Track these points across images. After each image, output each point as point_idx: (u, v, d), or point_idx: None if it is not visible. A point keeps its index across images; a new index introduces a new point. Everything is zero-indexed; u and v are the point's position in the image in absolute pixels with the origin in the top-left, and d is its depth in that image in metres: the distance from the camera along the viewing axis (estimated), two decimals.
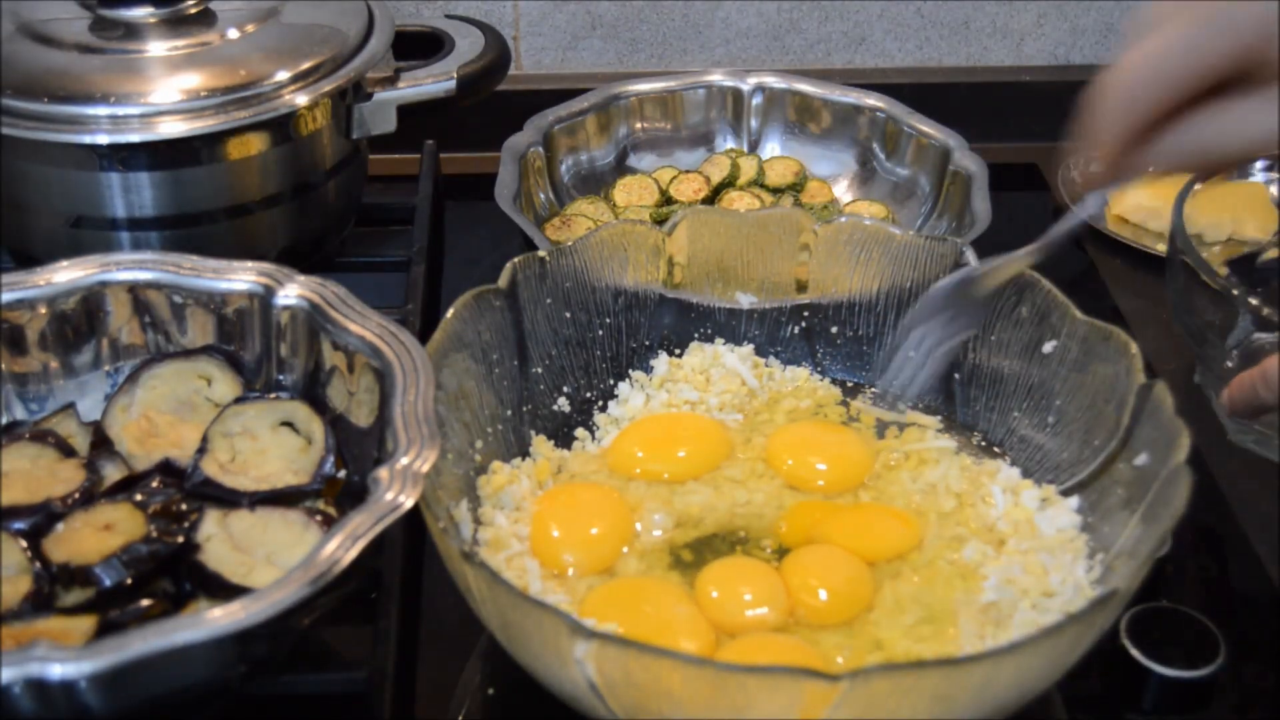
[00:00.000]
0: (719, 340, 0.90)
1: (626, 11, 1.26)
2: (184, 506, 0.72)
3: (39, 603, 0.67)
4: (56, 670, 0.57)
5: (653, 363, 0.89)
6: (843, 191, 1.14)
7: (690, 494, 0.80)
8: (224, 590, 0.67)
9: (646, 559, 0.76)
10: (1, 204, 0.95)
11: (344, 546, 0.62)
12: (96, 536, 0.69)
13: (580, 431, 0.86)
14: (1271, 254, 1.00)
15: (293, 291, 0.78)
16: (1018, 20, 1.29)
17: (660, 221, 0.95)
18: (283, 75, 0.93)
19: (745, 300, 0.90)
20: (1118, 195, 0.71)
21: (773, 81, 1.16)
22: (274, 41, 0.95)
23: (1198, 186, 0.96)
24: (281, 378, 0.80)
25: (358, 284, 0.80)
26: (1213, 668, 0.74)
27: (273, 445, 0.76)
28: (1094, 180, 0.71)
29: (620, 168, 1.15)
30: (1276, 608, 0.82)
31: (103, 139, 0.88)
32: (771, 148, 1.16)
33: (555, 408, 0.86)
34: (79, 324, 0.80)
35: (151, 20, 0.94)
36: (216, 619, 0.59)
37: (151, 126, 0.89)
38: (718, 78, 1.17)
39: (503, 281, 0.82)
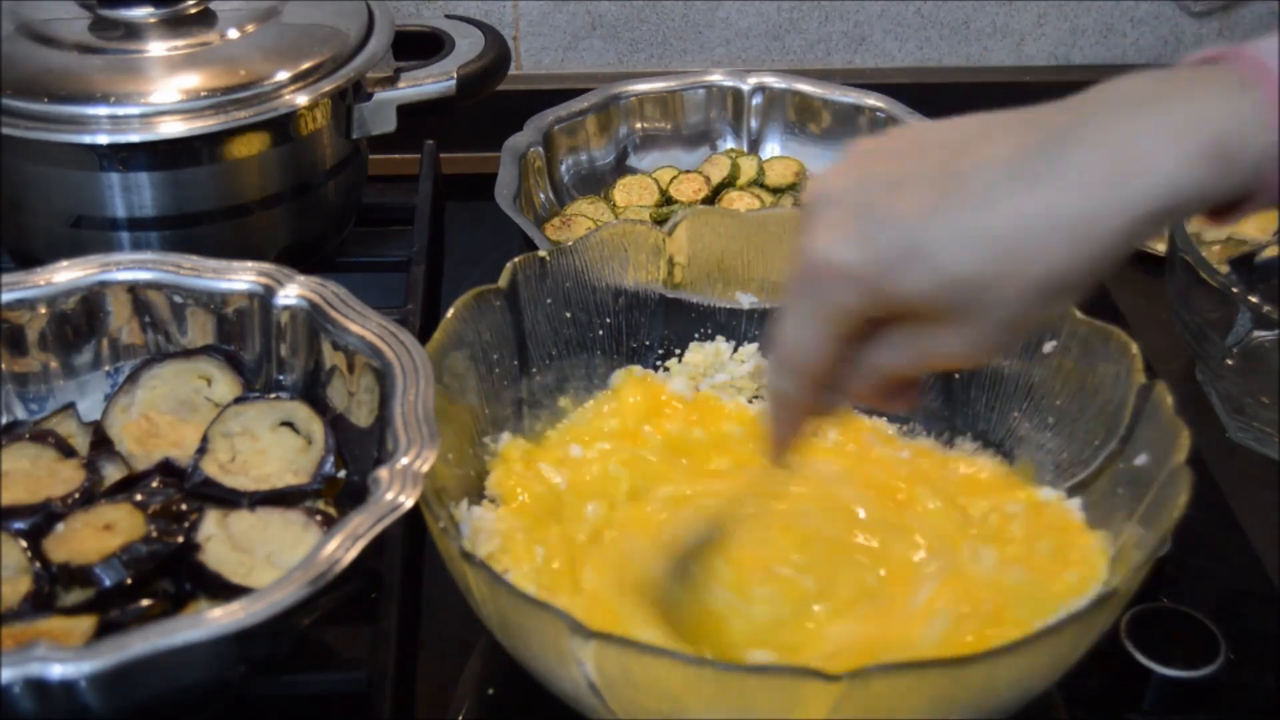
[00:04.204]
0: (720, 338, 0.90)
1: (626, 11, 1.26)
2: (184, 506, 0.72)
3: (39, 603, 0.67)
4: (56, 670, 0.57)
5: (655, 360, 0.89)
6: None
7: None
8: (224, 590, 0.67)
9: None
10: (1, 204, 0.95)
11: (344, 546, 0.62)
12: (96, 536, 0.69)
13: None
14: (1271, 252, 1.00)
15: (293, 291, 0.78)
16: (1018, 20, 1.29)
17: (660, 221, 0.95)
18: (283, 75, 0.93)
19: (745, 300, 0.90)
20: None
21: (773, 81, 1.16)
22: (274, 41, 0.95)
23: None
24: (281, 378, 0.80)
25: (358, 284, 0.80)
26: (1213, 668, 0.74)
27: (273, 445, 0.76)
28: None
29: (620, 168, 1.15)
30: (1276, 608, 0.82)
31: (103, 139, 0.88)
32: (771, 148, 1.16)
33: (555, 408, 0.86)
34: (79, 324, 0.80)
35: (151, 20, 0.94)
36: (216, 619, 0.59)
37: (151, 126, 0.89)
38: (718, 78, 1.17)
39: (503, 281, 0.82)
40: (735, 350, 0.89)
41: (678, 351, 0.89)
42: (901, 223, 0.54)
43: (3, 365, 0.79)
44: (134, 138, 0.88)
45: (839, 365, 0.59)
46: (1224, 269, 0.97)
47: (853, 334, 0.57)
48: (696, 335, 0.90)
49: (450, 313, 0.78)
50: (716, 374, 0.88)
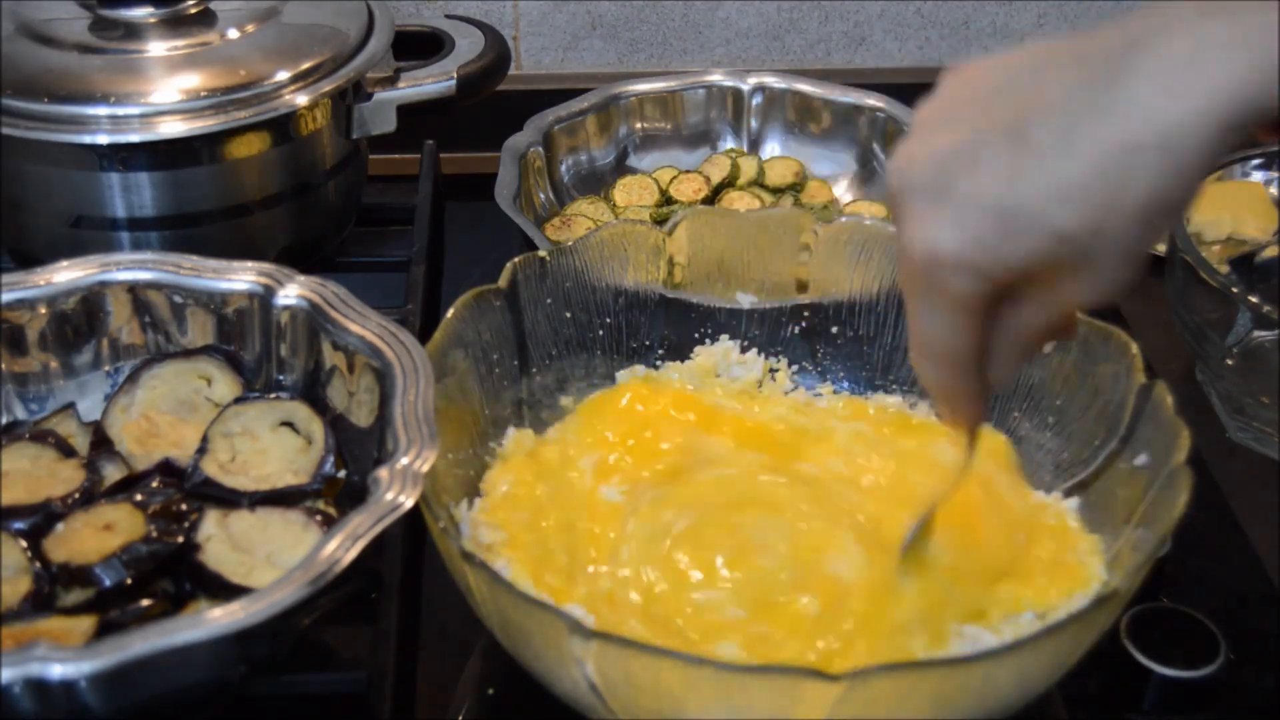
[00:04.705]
0: (724, 337, 0.90)
1: (626, 11, 1.26)
2: (184, 506, 0.72)
3: (39, 603, 0.67)
4: (56, 670, 0.56)
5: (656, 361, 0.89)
6: (843, 191, 1.14)
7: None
8: (224, 590, 0.67)
9: None
10: (1, 204, 0.95)
11: (344, 546, 0.62)
12: (96, 536, 0.69)
13: None
14: (1271, 252, 1.00)
15: (293, 291, 0.78)
16: (1018, 20, 1.29)
17: (660, 221, 0.95)
18: (283, 75, 0.93)
19: (745, 300, 0.90)
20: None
21: (773, 81, 1.16)
22: (274, 41, 0.95)
23: None
24: (281, 378, 0.80)
25: (358, 284, 0.80)
26: (1213, 668, 0.74)
27: (273, 445, 0.76)
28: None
29: (620, 168, 1.15)
30: (1276, 608, 0.82)
31: (103, 139, 0.88)
32: (771, 148, 1.16)
33: (556, 407, 0.86)
34: (79, 324, 0.80)
35: (151, 20, 0.94)
36: (216, 619, 0.59)
37: (151, 126, 0.89)
38: (718, 78, 1.17)
39: (503, 281, 0.82)
40: (743, 351, 0.89)
41: (681, 352, 0.89)
42: (989, 197, 0.54)
43: (3, 365, 0.79)
44: (134, 138, 0.88)
45: (983, 341, 0.59)
46: (1224, 269, 0.97)
47: (984, 310, 0.57)
48: (697, 335, 0.90)
49: (450, 313, 0.78)
50: (723, 375, 0.89)
